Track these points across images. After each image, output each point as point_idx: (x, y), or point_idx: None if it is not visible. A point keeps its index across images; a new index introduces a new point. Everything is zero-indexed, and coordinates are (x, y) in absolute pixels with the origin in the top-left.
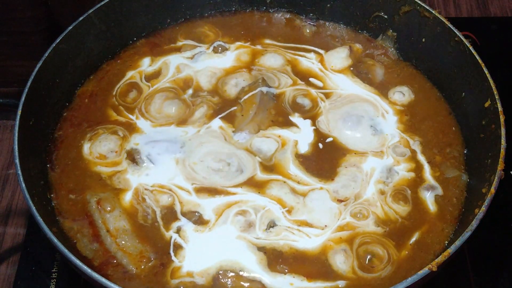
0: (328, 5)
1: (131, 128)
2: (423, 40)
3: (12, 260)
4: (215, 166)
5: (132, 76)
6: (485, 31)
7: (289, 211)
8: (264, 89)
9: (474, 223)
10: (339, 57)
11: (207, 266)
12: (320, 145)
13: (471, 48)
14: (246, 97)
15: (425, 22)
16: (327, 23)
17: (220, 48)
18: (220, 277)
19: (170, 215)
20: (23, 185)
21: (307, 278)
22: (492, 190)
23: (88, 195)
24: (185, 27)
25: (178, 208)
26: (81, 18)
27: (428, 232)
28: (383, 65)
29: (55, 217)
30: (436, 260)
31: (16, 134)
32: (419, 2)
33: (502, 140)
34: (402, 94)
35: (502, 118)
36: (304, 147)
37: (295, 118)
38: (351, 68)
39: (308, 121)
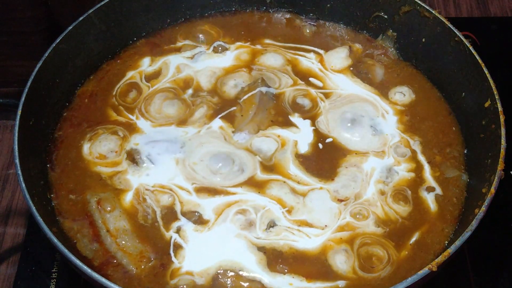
0: (328, 5)
1: (131, 128)
2: (423, 40)
3: (12, 260)
4: (215, 166)
5: (132, 76)
6: (485, 31)
7: (289, 211)
8: (264, 89)
9: (474, 223)
10: (339, 57)
11: (207, 266)
12: (320, 145)
13: (471, 48)
14: (245, 97)
15: (425, 22)
16: (327, 23)
17: (220, 48)
18: (220, 276)
19: (170, 215)
20: (23, 185)
21: (307, 278)
22: (492, 190)
23: (88, 195)
24: (185, 27)
25: (178, 208)
26: (81, 18)
27: (428, 232)
28: (383, 65)
29: (55, 217)
30: (436, 260)
31: (16, 134)
32: (419, 2)
33: (502, 140)
34: (402, 95)
35: (502, 118)
36: (304, 147)
37: (295, 118)
38: (351, 68)
39: (308, 121)
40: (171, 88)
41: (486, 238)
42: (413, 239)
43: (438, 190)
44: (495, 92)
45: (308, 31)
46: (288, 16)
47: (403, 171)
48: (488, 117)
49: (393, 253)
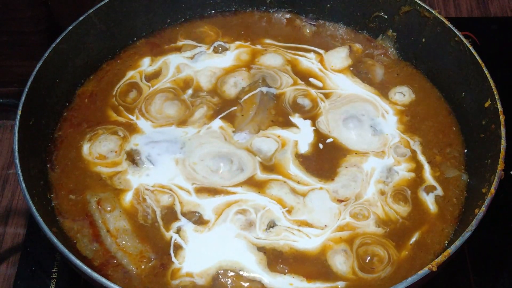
0: (328, 5)
1: (131, 129)
2: (423, 40)
3: (12, 260)
4: (215, 166)
5: (132, 76)
6: (485, 31)
7: (289, 211)
8: (264, 89)
9: (474, 223)
10: (339, 57)
11: (207, 266)
12: (320, 145)
13: (471, 48)
14: (246, 97)
15: (425, 22)
16: (327, 23)
17: (220, 48)
18: (220, 277)
19: (170, 215)
20: (23, 185)
21: (307, 278)
22: (492, 190)
23: (88, 195)
24: (185, 27)
25: (178, 208)
26: (81, 18)
27: (428, 232)
28: (383, 65)
29: (55, 217)
30: (436, 260)
31: (16, 134)
32: (419, 2)
33: (502, 140)
34: (402, 95)
35: (502, 118)
36: (304, 147)
37: (295, 118)
38: (351, 68)
39: (308, 122)
40: (171, 88)
41: (486, 238)
42: (413, 239)
43: (438, 190)
44: (495, 92)
45: (308, 31)
46: (288, 16)
47: (403, 171)
48: (488, 117)
49: (393, 253)
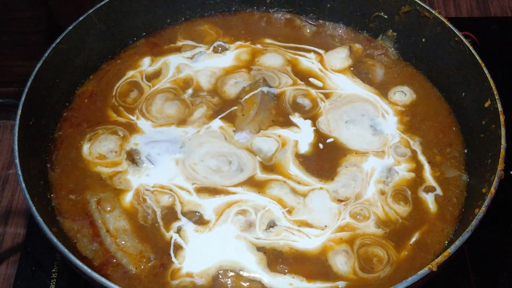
0: (328, 5)
1: (131, 129)
2: (423, 40)
3: (12, 260)
4: (215, 165)
5: (133, 75)
6: (485, 31)
7: (289, 211)
8: (265, 89)
9: (474, 223)
10: (339, 57)
11: (207, 266)
12: (321, 145)
13: (471, 48)
14: (247, 96)
15: (425, 22)
16: (327, 23)
17: (220, 48)
18: (220, 277)
19: (170, 215)
20: (23, 185)
21: (307, 278)
22: (492, 190)
23: (88, 195)
24: (185, 27)
25: (178, 208)
26: (81, 18)
27: (428, 232)
28: (383, 65)
29: (55, 217)
30: (436, 260)
31: (16, 134)
32: (419, 2)
33: (502, 140)
34: (403, 94)
35: (502, 118)
36: (304, 147)
37: (296, 118)
38: (351, 68)
39: (309, 122)
40: (171, 88)
41: (486, 238)
42: (413, 239)
43: (438, 190)
44: (495, 92)
45: (308, 31)
46: (288, 16)
47: (403, 171)
48: (488, 117)
49: (393, 254)
